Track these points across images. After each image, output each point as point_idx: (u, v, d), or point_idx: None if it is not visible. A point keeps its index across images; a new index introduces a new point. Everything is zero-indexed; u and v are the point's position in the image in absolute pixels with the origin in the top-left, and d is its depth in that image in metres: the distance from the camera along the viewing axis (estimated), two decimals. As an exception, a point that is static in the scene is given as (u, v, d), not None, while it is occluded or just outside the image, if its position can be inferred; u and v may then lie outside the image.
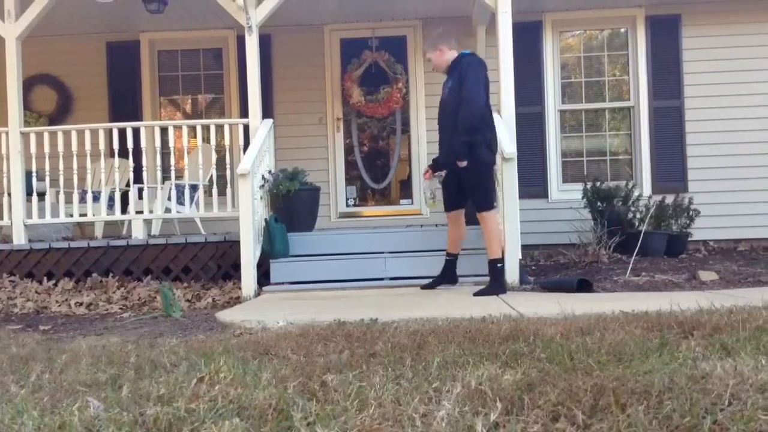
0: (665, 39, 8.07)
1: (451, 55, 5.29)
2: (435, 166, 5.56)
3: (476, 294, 5.07)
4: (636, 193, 7.43)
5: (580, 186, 7.56)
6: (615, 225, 6.93)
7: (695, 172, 7.96)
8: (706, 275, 5.78)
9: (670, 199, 7.27)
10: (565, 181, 8.22)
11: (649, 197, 7.47)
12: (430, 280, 5.53)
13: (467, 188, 5.27)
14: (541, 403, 1.90)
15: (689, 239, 7.31)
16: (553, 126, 8.18)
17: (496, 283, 5.16)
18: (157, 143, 6.67)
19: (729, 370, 2.16)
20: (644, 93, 8.08)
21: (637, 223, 7.12)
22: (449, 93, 5.23)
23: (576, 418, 1.77)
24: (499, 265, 5.22)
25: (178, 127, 6.80)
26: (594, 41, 8.49)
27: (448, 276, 5.51)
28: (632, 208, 7.22)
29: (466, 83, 5.04)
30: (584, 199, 7.36)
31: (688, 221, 7.22)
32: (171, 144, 6.49)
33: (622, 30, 8.34)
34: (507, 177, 5.66)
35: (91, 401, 2.11)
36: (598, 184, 7.38)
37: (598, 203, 7.25)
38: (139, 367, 2.79)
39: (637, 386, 2.00)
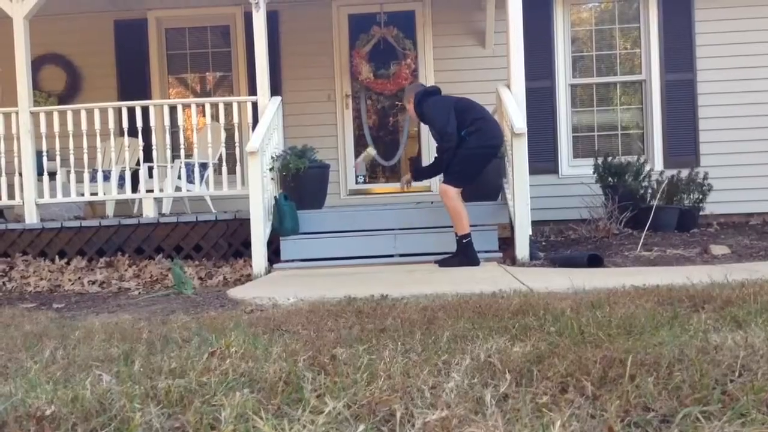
0: (678, 11, 7.95)
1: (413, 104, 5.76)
2: (419, 175, 6.11)
3: (441, 264, 5.46)
4: (647, 168, 7.37)
5: (591, 161, 7.51)
6: (626, 200, 6.89)
7: (707, 146, 7.89)
8: (717, 249, 5.74)
9: (682, 173, 7.22)
10: (575, 156, 8.17)
11: (661, 172, 7.42)
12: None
13: (447, 162, 5.58)
14: (550, 375, 1.90)
15: (701, 214, 7.27)
16: (563, 101, 8.11)
17: (462, 256, 5.44)
18: (166, 122, 6.66)
19: (740, 342, 2.15)
20: (656, 66, 7.99)
21: (648, 198, 7.07)
22: (432, 133, 5.89)
23: (585, 389, 1.77)
24: (464, 240, 5.45)
25: (186, 106, 6.79)
26: (605, 14, 8.37)
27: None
28: (644, 183, 7.17)
29: (435, 124, 5.60)
30: (595, 175, 7.31)
31: (700, 196, 7.17)
32: (180, 122, 6.49)
33: (634, 2, 8.22)
34: (517, 153, 5.62)
35: (104, 376, 2.13)
36: (609, 159, 7.33)
37: (610, 178, 7.20)
38: (152, 342, 2.81)
39: (646, 358, 2.00)
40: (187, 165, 6.94)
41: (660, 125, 7.99)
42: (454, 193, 5.47)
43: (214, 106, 6.67)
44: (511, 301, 3.31)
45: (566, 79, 8.13)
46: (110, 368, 2.31)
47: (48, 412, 1.73)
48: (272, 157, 6.30)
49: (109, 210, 7.34)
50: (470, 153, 5.47)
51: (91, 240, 6.42)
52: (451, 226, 5.58)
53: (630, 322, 2.62)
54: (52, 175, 6.81)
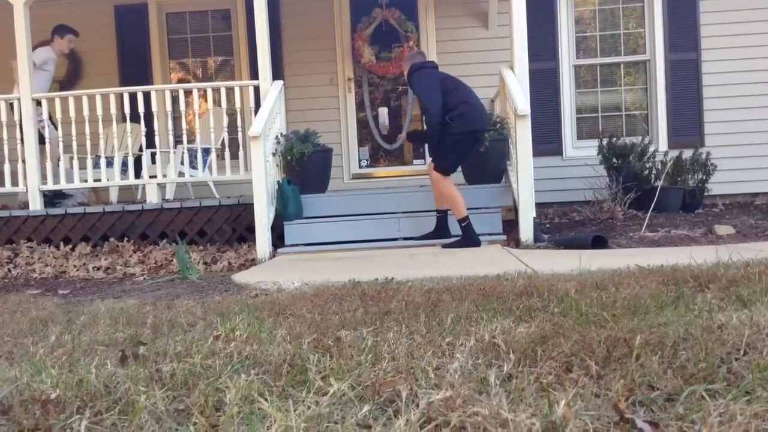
0: (682, -10, 7.87)
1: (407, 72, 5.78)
2: (412, 138, 6.55)
3: (444, 246, 5.53)
4: (652, 149, 7.32)
5: (595, 142, 7.47)
6: (630, 181, 6.87)
7: (712, 126, 7.84)
8: (722, 229, 5.73)
9: (686, 154, 7.18)
10: (579, 137, 8.13)
11: (665, 152, 7.38)
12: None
13: (432, 148, 5.81)
14: (554, 355, 1.90)
15: (705, 194, 7.24)
16: (567, 82, 8.05)
17: (464, 238, 5.50)
18: (168, 107, 6.65)
19: (745, 321, 2.14)
20: (660, 46, 7.92)
21: (652, 179, 7.04)
22: (420, 104, 5.83)
23: (589, 368, 1.77)
24: (463, 224, 5.49)
25: (188, 91, 6.78)
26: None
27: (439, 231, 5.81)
28: (648, 164, 7.14)
29: (420, 99, 5.60)
30: (599, 156, 7.27)
31: (704, 176, 7.13)
32: (182, 108, 6.47)
33: (638, -19, 8.14)
34: (520, 134, 5.60)
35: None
36: (613, 140, 7.29)
37: (614, 159, 7.17)
38: (157, 326, 2.82)
39: (651, 337, 2.00)
40: (189, 150, 6.93)
41: (664, 106, 7.94)
42: (447, 180, 5.55)
43: (216, 90, 6.64)
44: (515, 283, 3.31)
45: (570, 59, 8.07)
46: (116, 352, 2.31)
47: (53, 396, 1.74)
48: (275, 142, 6.28)
49: (113, 196, 7.34)
50: (454, 139, 5.48)
51: (95, 226, 6.44)
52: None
53: (634, 303, 2.62)
54: (56, 161, 6.81)
